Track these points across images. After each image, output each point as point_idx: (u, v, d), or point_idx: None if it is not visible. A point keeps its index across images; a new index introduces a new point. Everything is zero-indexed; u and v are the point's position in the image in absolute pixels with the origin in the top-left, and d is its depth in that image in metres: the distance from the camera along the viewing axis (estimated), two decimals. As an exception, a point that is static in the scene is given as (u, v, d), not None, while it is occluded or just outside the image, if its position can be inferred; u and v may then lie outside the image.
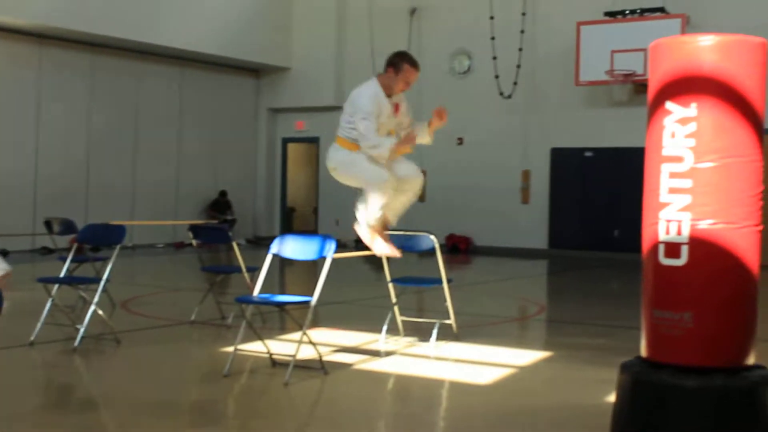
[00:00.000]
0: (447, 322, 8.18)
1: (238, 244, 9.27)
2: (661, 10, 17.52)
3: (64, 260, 8.56)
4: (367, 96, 6.96)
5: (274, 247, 6.89)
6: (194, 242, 9.21)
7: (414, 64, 7.08)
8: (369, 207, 7.24)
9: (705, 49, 4.48)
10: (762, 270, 4.66)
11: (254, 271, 8.45)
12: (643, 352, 4.69)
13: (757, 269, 4.55)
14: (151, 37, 18.73)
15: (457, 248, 19.90)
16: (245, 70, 22.27)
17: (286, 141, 23.32)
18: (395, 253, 7.37)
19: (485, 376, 6.58)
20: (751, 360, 4.56)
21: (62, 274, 8.24)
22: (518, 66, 19.13)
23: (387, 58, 7.11)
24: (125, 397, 5.93)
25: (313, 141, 22.74)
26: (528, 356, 7.38)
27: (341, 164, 7.35)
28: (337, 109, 23.45)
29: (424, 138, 7.60)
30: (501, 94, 19.27)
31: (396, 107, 7.21)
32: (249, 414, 5.65)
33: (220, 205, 21.38)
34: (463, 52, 20.45)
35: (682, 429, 4.41)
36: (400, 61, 7.00)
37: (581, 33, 17.94)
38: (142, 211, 19.67)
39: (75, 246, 8.51)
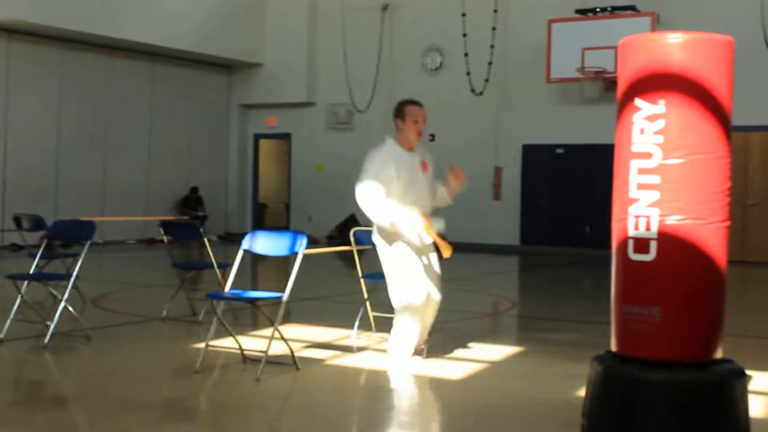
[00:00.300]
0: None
1: (210, 241, 9.25)
2: (632, 8, 17.65)
3: (33, 257, 8.51)
4: (375, 156, 6.58)
5: (246, 243, 6.89)
6: (165, 238, 9.18)
7: (414, 102, 6.87)
8: (398, 334, 6.82)
9: (673, 47, 4.52)
10: (729, 265, 4.70)
11: (225, 267, 8.44)
12: (613, 346, 4.73)
13: (725, 265, 4.60)
14: (121, 33, 18.63)
15: (429, 244, 19.92)
16: (217, 66, 22.21)
17: (257, 137, 23.28)
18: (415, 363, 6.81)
19: (457, 372, 6.61)
20: (719, 354, 4.60)
21: (32, 271, 8.19)
22: (490, 63, 19.18)
23: (393, 114, 6.89)
24: (96, 394, 5.90)
25: (285, 137, 22.72)
26: (500, 351, 7.42)
27: (381, 256, 6.81)
28: (309, 105, 23.55)
29: (444, 201, 7.13)
30: (473, 90, 19.31)
31: (424, 164, 6.82)
32: (220, 410, 5.64)
33: (191, 201, 21.30)
34: (435, 48, 20.50)
35: (650, 422, 4.45)
36: (400, 108, 6.79)
37: (552, 30, 18.03)
38: (113, 208, 19.58)
39: (45, 242, 8.46)
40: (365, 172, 6.48)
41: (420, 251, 6.67)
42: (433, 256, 6.79)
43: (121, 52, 19.79)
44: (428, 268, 6.73)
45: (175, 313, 8.86)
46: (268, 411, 5.70)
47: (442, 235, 6.58)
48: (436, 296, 6.78)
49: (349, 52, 20.80)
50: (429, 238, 6.65)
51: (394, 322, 6.82)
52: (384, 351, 7.39)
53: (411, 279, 6.58)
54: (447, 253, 6.62)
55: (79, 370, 6.90)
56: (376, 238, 6.74)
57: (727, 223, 4.57)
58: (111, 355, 7.24)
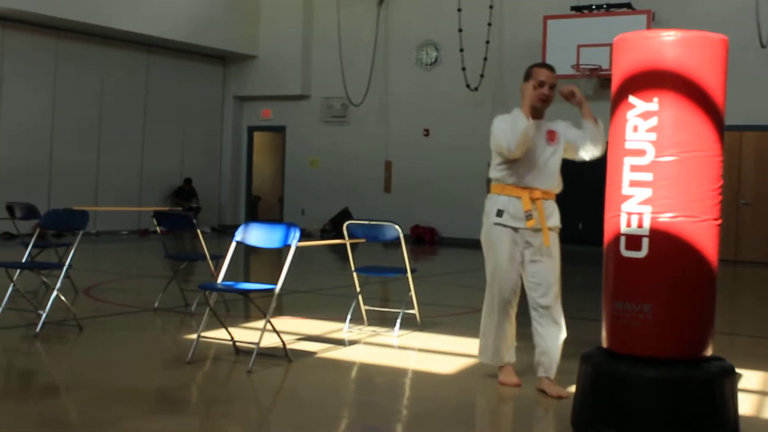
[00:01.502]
0: (411, 312, 8.23)
1: (203, 232, 9.25)
2: (628, 5, 17.66)
3: (26, 245, 8.50)
4: (500, 117, 5.83)
5: (239, 235, 6.89)
6: (158, 229, 9.17)
7: (541, 64, 5.93)
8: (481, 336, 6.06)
9: (668, 45, 4.54)
10: (722, 264, 4.72)
11: (218, 258, 8.44)
12: (604, 342, 4.75)
13: (716, 262, 4.62)
14: (116, 23, 18.60)
15: (422, 239, 19.96)
16: (212, 57, 22.18)
17: (252, 129, 23.26)
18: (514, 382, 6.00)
19: (448, 366, 6.62)
20: (709, 351, 4.63)
21: (24, 260, 8.18)
22: (485, 59, 19.20)
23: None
24: (87, 383, 5.91)
25: (280, 130, 22.71)
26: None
27: (482, 237, 5.99)
28: (304, 98, 23.54)
29: (594, 132, 5.81)
30: (468, 86, 19.33)
31: (551, 134, 5.83)
32: (212, 401, 5.65)
33: (184, 192, 21.29)
34: (431, 43, 20.49)
35: (641, 419, 4.47)
36: (527, 71, 5.83)
37: (548, 27, 18.04)
38: (106, 198, 19.56)
39: (38, 231, 8.46)
40: (492, 128, 5.75)
41: (515, 242, 5.77)
42: (549, 254, 5.80)
43: (116, 42, 19.75)
44: (535, 266, 5.80)
45: (168, 304, 8.86)
46: (259, 403, 5.71)
47: (550, 228, 5.77)
48: (544, 300, 5.78)
49: (345, 46, 20.79)
50: (529, 219, 5.70)
51: None
52: (376, 345, 7.42)
53: (494, 270, 5.83)
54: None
55: (70, 360, 6.90)
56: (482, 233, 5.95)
57: (719, 221, 4.59)
58: (103, 345, 7.24)
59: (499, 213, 5.76)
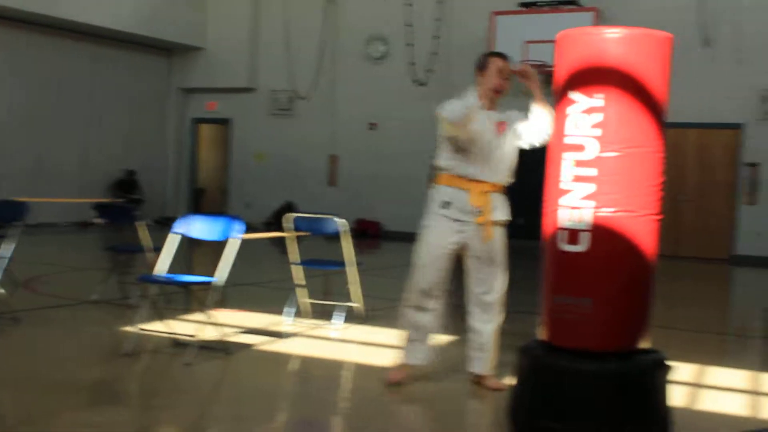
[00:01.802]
0: (353, 305, 8.23)
1: (146, 225, 9.15)
2: (575, 2, 17.80)
3: (-38, 236, 8.34)
4: (450, 100, 5.66)
5: (179, 227, 6.83)
6: (99, 221, 9.05)
7: (497, 54, 5.87)
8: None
9: (612, 41, 4.57)
10: (662, 260, 4.77)
11: (160, 251, 8.35)
12: (543, 336, 4.78)
13: (655, 257, 4.67)
14: (60, 12, 18.29)
15: (367, 233, 19.97)
16: (157, 48, 21.93)
17: (197, 121, 23.06)
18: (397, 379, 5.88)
19: (388, 359, 6.62)
20: (646, 344, 4.68)
21: (-39, 251, 8.03)
22: (433, 53, 19.23)
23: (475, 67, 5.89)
24: (24, 376, 5.81)
25: (225, 122, 22.54)
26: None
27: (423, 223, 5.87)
28: (250, 91, 23.34)
29: (542, 115, 5.63)
30: (415, 80, 19.35)
31: (500, 125, 5.73)
32: (150, 393, 5.60)
33: (127, 184, 21.05)
34: (379, 37, 20.46)
35: (578, 411, 4.51)
36: (483, 60, 5.80)
37: (496, 23, 18.12)
38: (47, 189, 19.26)
39: (-25, 222, 8.31)
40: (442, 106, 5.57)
41: (458, 233, 5.65)
42: (495, 249, 5.72)
43: (59, 32, 19.42)
44: (480, 262, 5.73)
45: (107, 297, 8.76)
46: (198, 395, 5.67)
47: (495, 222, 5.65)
48: (489, 297, 5.76)
49: (292, 39, 20.69)
50: (476, 212, 5.60)
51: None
52: (317, 338, 7.41)
53: (421, 258, 5.72)
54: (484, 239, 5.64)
55: (6, 352, 6.78)
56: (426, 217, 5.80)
57: (660, 217, 4.64)
58: (40, 338, 7.14)
59: (445, 205, 5.64)
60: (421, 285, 5.72)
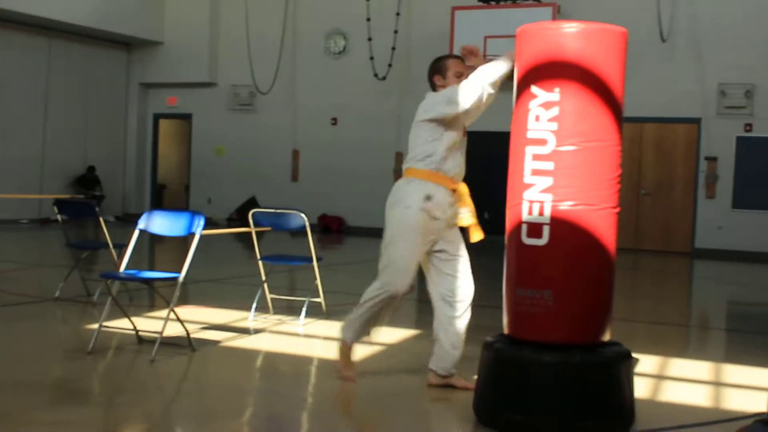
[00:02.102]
0: (316, 300, 8.23)
1: (107, 221, 9.09)
2: (534, -3, 17.90)
3: None
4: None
5: (142, 223, 6.79)
6: (60, 217, 8.97)
7: (454, 56, 5.79)
8: (358, 312, 5.72)
9: (569, 36, 4.61)
10: (622, 253, 4.82)
11: (121, 247, 8.29)
12: (506, 329, 4.82)
13: (614, 250, 4.72)
14: (15, 5, 18.08)
15: (330, 228, 19.96)
16: (116, 43, 21.76)
17: (157, 117, 22.92)
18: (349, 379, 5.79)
19: (355, 354, 6.62)
20: (607, 337, 4.73)
21: None
22: (393, 48, 19.25)
23: (429, 74, 5.79)
24: (-16, 374, 5.76)
25: (186, 117, 22.43)
26: (397, 334, 7.47)
27: (390, 220, 5.62)
28: (211, 85, 23.20)
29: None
30: (376, 75, 19.37)
31: (464, 128, 5.69)
32: (114, 391, 5.56)
33: (87, 180, 20.88)
34: (339, 32, 20.46)
35: (542, 403, 4.56)
36: (439, 63, 5.74)
37: (456, 17, 18.17)
38: (6, 185, 19.04)
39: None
40: (449, 92, 5.45)
41: (439, 232, 5.56)
42: (464, 248, 5.72)
43: (15, 25, 19.21)
44: (454, 261, 5.67)
45: (69, 294, 8.69)
46: (162, 392, 5.65)
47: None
48: (464, 295, 5.64)
49: (252, 33, 20.61)
50: (461, 215, 5.59)
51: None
52: (281, 333, 7.40)
53: (401, 257, 5.50)
54: (478, 236, 5.66)
55: (-34, 351, 6.72)
56: (389, 209, 5.62)
57: (617, 210, 4.69)
58: (1, 336, 7.08)
59: (429, 198, 5.45)
60: (400, 288, 5.52)
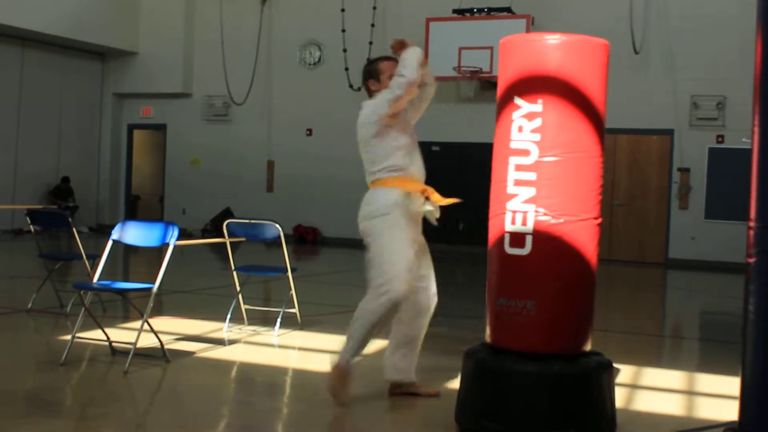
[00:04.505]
0: (291, 311, 8.20)
1: (80, 232, 9.02)
2: (508, 10, 17.95)
3: None
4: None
5: (116, 233, 6.73)
6: (32, 228, 8.89)
7: (387, 58, 5.65)
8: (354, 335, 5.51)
9: (552, 48, 4.63)
10: (599, 263, 4.84)
11: (95, 258, 8.23)
12: (488, 338, 4.81)
13: (596, 260, 4.73)
14: (-11, 15, 17.98)
15: (305, 239, 19.91)
16: (90, 53, 21.64)
17: (132, 127, 22.81)
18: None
19: (328, 364, 6.59)
20: (588, 347, 4.74)
21: None
22: (368, 59, 19.24)
23: (363, 79, 5.83)
24: (-45, 386, 5.69)
25: (160, 128, 22.34)
26: (372, 345, 7.43)
27: (373, 231, 5.60)
28: (185, 96, 23.12)
29: (428, 86, 5.70)
30: (351, 86, 19.36)
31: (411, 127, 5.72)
32: (87, 402, 5.51)
33: (61, 191, 20.74)
34: (314, 43, 20.46)
35: (522, 412, 4.55)
36: (371, 67, 5.73)
37: (430, 29, 18.20)
38: (-23, 196, 18.91)
39: None
40: (380, 100, 5.46)
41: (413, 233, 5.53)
42: (425, 243, 5.71)
43: (-12, 35, 19.11)
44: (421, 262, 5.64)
45: (42, 305, 8.60)
46: (136, 404, 5.60)
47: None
48: (432, 298, 5.73)
49: (227, 44, 20.58)
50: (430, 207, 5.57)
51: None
52: (256, 344, 7.36)
53: (400, 263, 5.38)
54: (449, 201, 5.54)
55: (-63, 363, 6.64)
56: (367, 220, 5.64)
57: (599, 221, 4.70)
58: (-28, 347, 7.00)
59: (406, 199, 5.46)
60: (401, 290, 5.37)
